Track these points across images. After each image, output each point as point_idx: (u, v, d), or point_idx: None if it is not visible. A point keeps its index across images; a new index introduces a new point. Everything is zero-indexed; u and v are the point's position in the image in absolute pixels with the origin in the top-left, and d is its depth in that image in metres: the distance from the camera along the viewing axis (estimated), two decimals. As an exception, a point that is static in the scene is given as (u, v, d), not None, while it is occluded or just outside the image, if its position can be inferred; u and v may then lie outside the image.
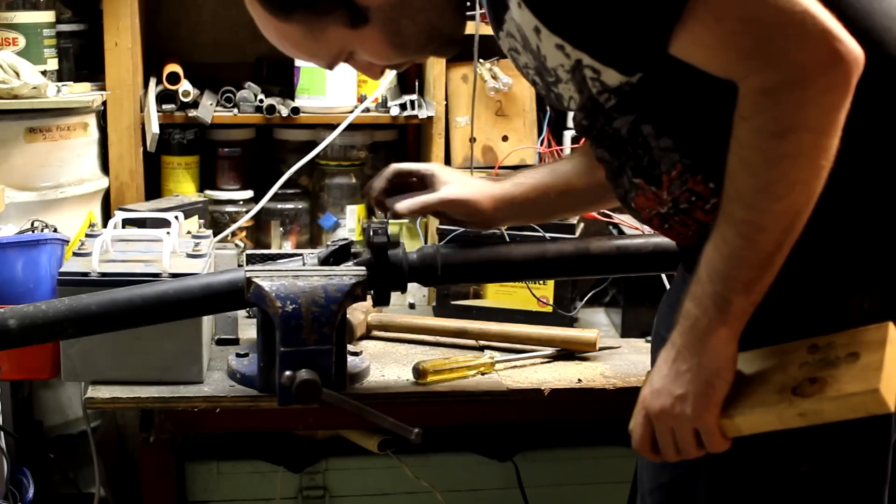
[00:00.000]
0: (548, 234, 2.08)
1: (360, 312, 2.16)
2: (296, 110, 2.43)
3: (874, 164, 1.28)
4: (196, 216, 2.30)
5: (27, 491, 2.11)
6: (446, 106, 2.47)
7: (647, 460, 1.41)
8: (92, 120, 2.36)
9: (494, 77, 2.45)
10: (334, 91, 2.44)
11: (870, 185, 1.28)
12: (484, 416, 2.07)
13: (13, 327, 1.62)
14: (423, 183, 1.75)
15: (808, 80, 1.15)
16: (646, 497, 1.61)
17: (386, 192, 1.76)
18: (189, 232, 2.13)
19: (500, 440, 2.35)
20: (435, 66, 2.44)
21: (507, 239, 1.93)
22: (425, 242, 2.37)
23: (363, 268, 1.71)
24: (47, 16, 2.35)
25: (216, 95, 2.46)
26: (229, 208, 2.53)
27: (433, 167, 1.78)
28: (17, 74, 2.21)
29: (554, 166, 1.75)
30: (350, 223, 2.54)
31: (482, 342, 2.14)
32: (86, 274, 1.85)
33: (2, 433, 2.05)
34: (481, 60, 2.40)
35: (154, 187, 2.52)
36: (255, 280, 1.68)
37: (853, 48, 1.16)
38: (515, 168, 2.48)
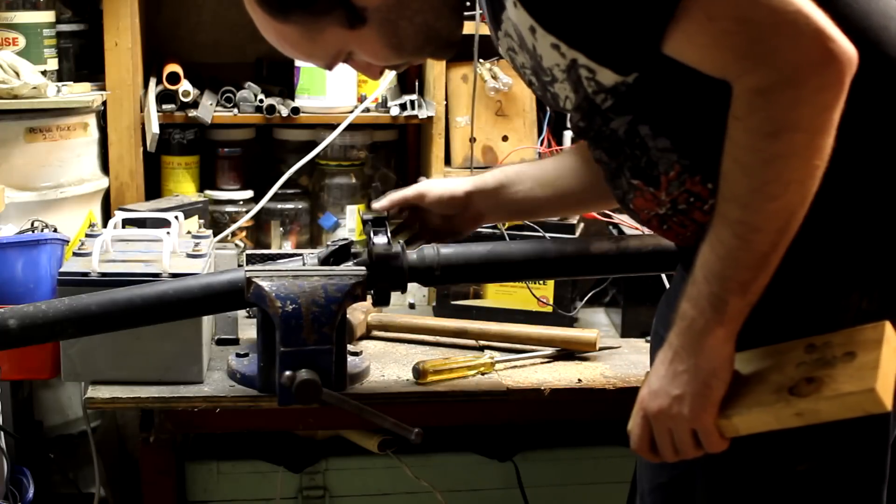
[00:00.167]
0: (548, 234, 2.08)
1: (360, 312, 2.16)
2: (296, 110, 2.43)
3: (872, 162, 1.28)
4: (196, 216, 2.30)
5: (27, 491, 2.11)
6: (446, 106, 2.47)
7: (646, 460, 1.41)
8: (92, 120, 2.36)
9: (494, 77, 2.45)
10: (334, 91, 2.44)
11: (867, 184, 1.28)
12: (484, 416, 2.07)
13: (13, 327, 1.62)
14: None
15: (801, 80, 1.15)
16: (644, 497, 1.62)
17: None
18: (189, 232, 2.13)
19: (500, 440, 2.35)
20: (435, 66, 2.44)
21: (507, 239, 1.93)
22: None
23: (363, 268, 1.71)
24: (47, 16, 2.35)
25: (216, 95, 2.46)
26: (229, 208, 2.53)
27: (420, 187, 1.79)
28: (17, 74, 2.21)
29: (540, 161, 1.77)
30: (350, 223, 2.54)
31: (482, 342, 2.14)
32: (86, 274, 1.85)
33: (2, 433, 2.05)
34: (481, 60, 2.40)
35: (154, 187, 2.52)
36: (255, 280, 1.68)
37: (846, 48, 1.16)
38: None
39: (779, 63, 1.16)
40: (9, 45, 2.30)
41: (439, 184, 1.79)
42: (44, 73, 2.31)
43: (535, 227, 2.15)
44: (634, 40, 1.23)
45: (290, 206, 2.57)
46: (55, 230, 2.14)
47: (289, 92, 2.49)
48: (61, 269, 1.88)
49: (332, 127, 2.43)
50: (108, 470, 2.36)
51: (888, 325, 1.24)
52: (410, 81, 2.57)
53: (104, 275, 1.84)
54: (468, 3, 1.47)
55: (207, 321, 1.96)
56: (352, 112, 2.44)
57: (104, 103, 2.37)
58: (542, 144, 2.47)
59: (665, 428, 1.31)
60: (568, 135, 2.49)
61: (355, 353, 1.97)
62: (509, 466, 2.32)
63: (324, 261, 1.76)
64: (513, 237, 2.10)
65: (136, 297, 1.66)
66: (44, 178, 2.27)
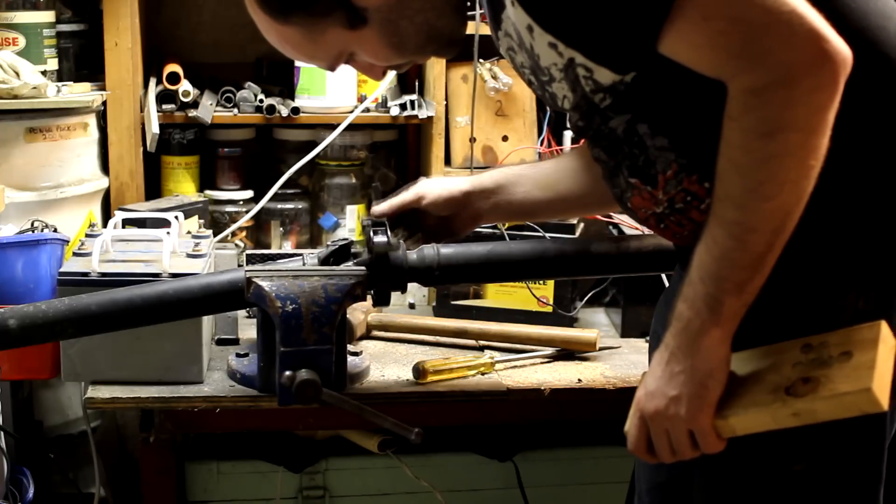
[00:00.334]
0: (548, 234, 2.08)
1: (360, 312, 2.16)
2: (296, 110, 2.43)
3: (870, 162, 1.28)
4: (196, 216, 2.30)
5: (27, 491, 2.10)
6: (446, 106, 2.47)
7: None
8: (92, 120, 2.36)
9: (494, 77, 2.45)
10: (334, 91, 2.45)
11: (865, 184, 1.28)
12: (484, 416, 2.07)
13: (13, 327, 1.62)
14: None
15: (794, 80, 1.16)
16: (643, 496, 1.61)
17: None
18: (189, 232, 2.13)
19: (500, 440, 2.35)
20: (435, 66, 2.44)
21: (507, 239, 1.93)
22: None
23: (363, 268, 1.71)
24: (47, 16, 2.35)
25: (216, 95, 2.46)
26: (229, 208, 2.53)
27: (417, 189, 1.79)
28: (17, 74, 2.21)
29: (540, 163, 1.77)
30: (350, 223, 2.54)
31: (482, 342, 2.14)
32: (86, 274, 1.85)
33: (2, 433, 2.05)
34: (481, 60, 2.40)
35: (154, 187, 2.52)
36: (255, 280, 1.68)
37: (840, 48, 1.16)
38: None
39: (773, 63, 1.16)
40: (9, 45, 2.30)
41: (437, 184, 1.78)
42: (44, 73, 2.31)
43: (535, 227, 2.15)
44: (630, 39, 1.24)
45: (290, 206, 2.57)
46: (55, 230, 2.14)
47: (289, 92, 2.49)
48: (61, 269, 1.88)
49: (332, 127, 2.43)
50: (108, 470, 2.36)
51: (884, 325, 1.24)
52: (410, 81, 2.57)
53: (104, 275, 1.84)
54: (469, 2, 1.46)
55: (207, 321, 1.96)
56: (352, 112, 2.44)
57: (104, 103, 2.37)
58: (542, 144, 2.47)
59: (662, 429, 1.32)
60: (568, 135, 2.49)
61: (355, 353, 1.97)
62: (509, 466, 2.32)
63: (324, 261, 1.76)
64: (513, 237, 2.10)
65: (136, 297, 1.66)
66: (44, 178, 2.27)
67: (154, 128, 2.36)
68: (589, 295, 2.34)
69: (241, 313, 2.12)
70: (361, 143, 2.58)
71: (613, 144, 1.38)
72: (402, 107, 2.46)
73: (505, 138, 2.51)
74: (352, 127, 2.45)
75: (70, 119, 2.29)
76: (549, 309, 2.24)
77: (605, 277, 2.32)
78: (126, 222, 2.15)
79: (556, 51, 1.29)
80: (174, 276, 1.82)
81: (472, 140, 2.37)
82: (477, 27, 2.09)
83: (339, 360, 1.77)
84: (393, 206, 1.77)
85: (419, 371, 1.93)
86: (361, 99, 2.47)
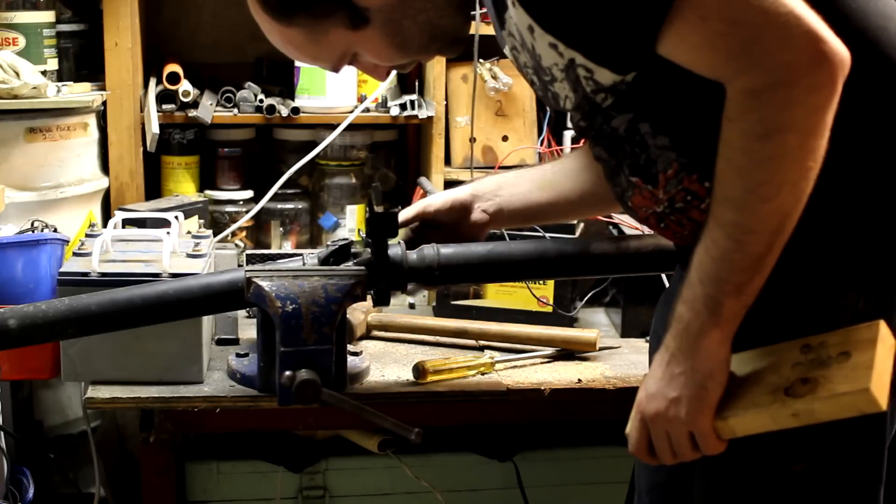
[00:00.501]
0: (548, 234, 2.08)
1: (360, 312, 2.16)
2: (296, 110, 2.43)
3: (871, 162, 1.28)
4: (196, 216, 2.30)
5: (27, 491, 2.11)
6: (446, 106, 2.47)
7: (644, 460, 1.41)
8: (92, 120, 2.36)
9: (494, 77, 2.45)
10: (334, 91, 2.45)
11: (867, 184, 1.28)
12: (484, 416, 2.07)
13: (13, 327, 1.62)
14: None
15: (792, 81, 1.16)
16: (643, 496, 1.62)
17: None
18: (189, 232, 2.13)
19: (500, 440, 2.35)
20: (435, 66, 2.44)
21: (507, 239, 1.93)
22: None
23: (363, 268, 1.71)
24: (47, 16, 2.35)
25: (216, 95, 2.46)
26: (229, 208, 2.53)
27: (419, 204, 1.81)
28: (17, 74, 2.21)
29: (539, 166, 1.77)
30: (350, 223, 2.55)
31: (482, 342, 2.14)
32: (86, 274, 1.85)
33: (2, 433, 2.05)
34: (481, 60, 2.40)
35: (154, 187, 2.52)
36: (255, 280, 1.68)
37: (838, 49, 1.16)
38: (515, 168, 2.48)
39: (771, 64, 1.16)
40: (9, 45, 2.30)
41: (440, 194, 1.80)
42: (44, 73, 2.31)
43: (536, 227, 2.15)
44: (629, 40, 1.24)
45: (290, 206, 2.57)
46: (55, 230, 2.14)
47: (289, 92, 2.49)
48: (61, 269, 1.88)
49: (332, 127, 2.43)
50: (108, 470, 2.36)
51: (883, 325, 1.24)
52: (410, 81, 2.57)
53: (104, 275, 1.84)
54: (471, 2, 1.46)
55: (207, 321, 1.96)
56: (352, 112, 2.44)
57: (104, 103, 2.37)
58: (542, 144, 2.47)
59: (662, 431, 1.32)
60: (568, 135, 2.49)
61: (355, 353, 1.97)
62: (509, 466, 2.32)
63: (324, 261, 1.76)
64: (513, 237, 2.10)
65: (136, 297, 1.66)
66: (44, 178, 2.27)
67: (154, 128, 2.36)
68: (589, 295, 2.34)
69: (241, 313, 2.12)
70: (361, 143, 2.58)
71: (615, 143, 1.38)
72: (402, 107, 2.46)
73: (505, 138, 2.51)
74: (352, 127, 2.45)
75: (70, 119, 2.29)
76: (549, 309, 2.24)
77: (605, 277, 2.32)
78: (126, 222, 2.15)
79: (557, 51, 1.29)
80: (174, 276, 1.82)
81: (472, 140, 2.37)
82: (477, 27, 2.09)
83: (339, 360, 1.77)
84: (406, 218, 1.78)
85: (419, 371, 1.93)
86: (361, 99, 2.47)
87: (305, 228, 2.59)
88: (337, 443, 2.28)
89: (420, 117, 2.45)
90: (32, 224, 2.14)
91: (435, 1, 1.40)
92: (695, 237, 1.31)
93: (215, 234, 2.33)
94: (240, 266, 2.12)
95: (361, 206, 2.55)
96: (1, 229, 2.10)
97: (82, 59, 2.46)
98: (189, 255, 1.95)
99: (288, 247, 2.55)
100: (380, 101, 2.48)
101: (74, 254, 1.94)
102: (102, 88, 2.37)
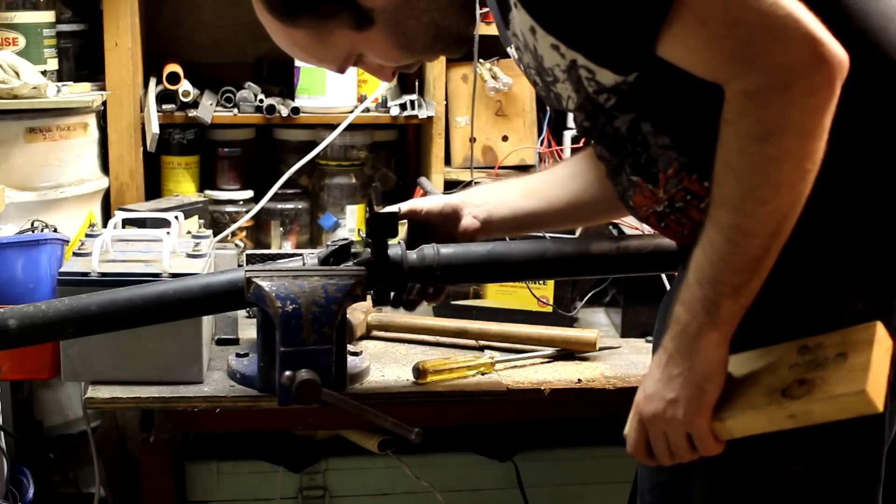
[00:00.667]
0: (548, 235, 2.08)
1: (360, 312, 2.16)
2: (296, 110, 2.43)
3: (872, 163, 1.28)
4: (196, 216, 2.30)
5: (27, 491, 2.10)
6: (446, 106, 2.47)
7: (645, 461, 1.41)
8: (92, 120, 2.36)
9: (494, 77, 2.45)
10: (334, 91, 2.45)
11: (867, 185, 1.28)
12: (484, 416, 2.07)
13: (13, 327, 1.62)
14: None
15: (790, 84, 1.15)
16: (645, 495, 1.62)
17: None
18: (189, 232, 2.13)
19: (500, 440, 2.35)
20: (435, 66, 2.45)
21: (507, 239, 1.93)
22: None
23: (363, 268, 1.71)
24: (47, 16, 2.35)
25: (216, 95, 2.46)
26: (229, 208, 2.53)
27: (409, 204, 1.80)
28: (17, 74, 2.21)
29: (527, 175, 1.78)
30: (350, 223, 2.55)
31: (482, 342, 2.14)
32: (86, 274, 1.85)
33: (2, 433, 2.05)
34: (481, 60, 2.40)
35: (154, 187, 2.52)
36: (255, 280, 1.67)
37: (837, 51, 1.16)
38: (515, 168, 2.49)
39: (769, 66, 1.16)
40: (9, 45, 2.30)
41: (430, 198, 1.80)
42: (44, 73, 2.31)
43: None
44: (628, 42, 1.24)
45: (290, 206, 2.57)
46: (55, 230, 2.13)
47: (289, 92, 2.49)
48: (61, 269, 1.88)
49: (332, 127, 2.43)
50: (108, 470, 2.36)
51: (879, 326, 1.24)
52: (410, 81, 2.57)
53: (104, 275, 1.84)
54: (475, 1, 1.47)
55: (207, 321, 1.96)
56: (352, 112, 2.44)
57: (104, 103, 2.37)
58: (542, 144, 2.47)
59: (660, 432, 1.32)
60: (568, 135, 2.49)
61: (355, 353, 1.97)
62: (509, 466, 2.32)
63: (324, 261, 1.76)
64: (513, 237, 2.10)
65: (136, 297, 1.66)
66: (44, 178, 2.27)
67: (154, 128, 2.36)
68: (589, 295, 2.34)
69: (241, 313, 2.12)
70: (361, 143, 2.58)
71: (617, 143, 1.38)
72: (402, 107, 2.47)
73: (505, 138, 2.51)
74: (352, 127, 2.45)
75: (70, 119, 2.29)
76: (549, 309, 2.24)
77: (605, 277, 2.32)
78: (126, 222, 2.15)
79: (559, 52, 1.30)
80: (174, 276, 1.82)
81: (472, 140, 2.37)
82: (477, 27, 2.08)
83: (339, 360, 1.77)
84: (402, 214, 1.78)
85: (419, 371, 1.93)
86: (361, 99, 2.47)
87: (305, 228, 2.59)
88: (337, 443, 2.28)
89: (420, 117, 2.46)
90: (32, 224, 2.14)
91: (439, 1, 1.41)
92: (694, 236, 1.31)
93: (215, 234, 2.33)
94: (240, 266, 2.12)
95: (361, 206, 2.55)
96: (1, 229, 2.10)
97: (82, 59, 2.46)
98: (189, 255, 1.95)
99: (288, 247, 2.55)
100: (380, 101, 2.48)
101: (74, 254, 1.94)
102: (102, 88, 2.38)
